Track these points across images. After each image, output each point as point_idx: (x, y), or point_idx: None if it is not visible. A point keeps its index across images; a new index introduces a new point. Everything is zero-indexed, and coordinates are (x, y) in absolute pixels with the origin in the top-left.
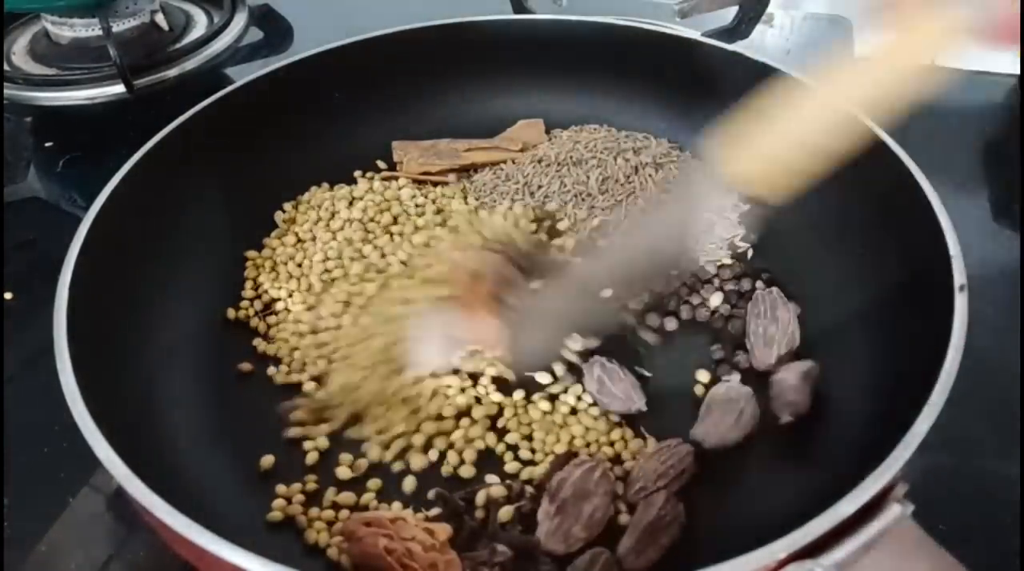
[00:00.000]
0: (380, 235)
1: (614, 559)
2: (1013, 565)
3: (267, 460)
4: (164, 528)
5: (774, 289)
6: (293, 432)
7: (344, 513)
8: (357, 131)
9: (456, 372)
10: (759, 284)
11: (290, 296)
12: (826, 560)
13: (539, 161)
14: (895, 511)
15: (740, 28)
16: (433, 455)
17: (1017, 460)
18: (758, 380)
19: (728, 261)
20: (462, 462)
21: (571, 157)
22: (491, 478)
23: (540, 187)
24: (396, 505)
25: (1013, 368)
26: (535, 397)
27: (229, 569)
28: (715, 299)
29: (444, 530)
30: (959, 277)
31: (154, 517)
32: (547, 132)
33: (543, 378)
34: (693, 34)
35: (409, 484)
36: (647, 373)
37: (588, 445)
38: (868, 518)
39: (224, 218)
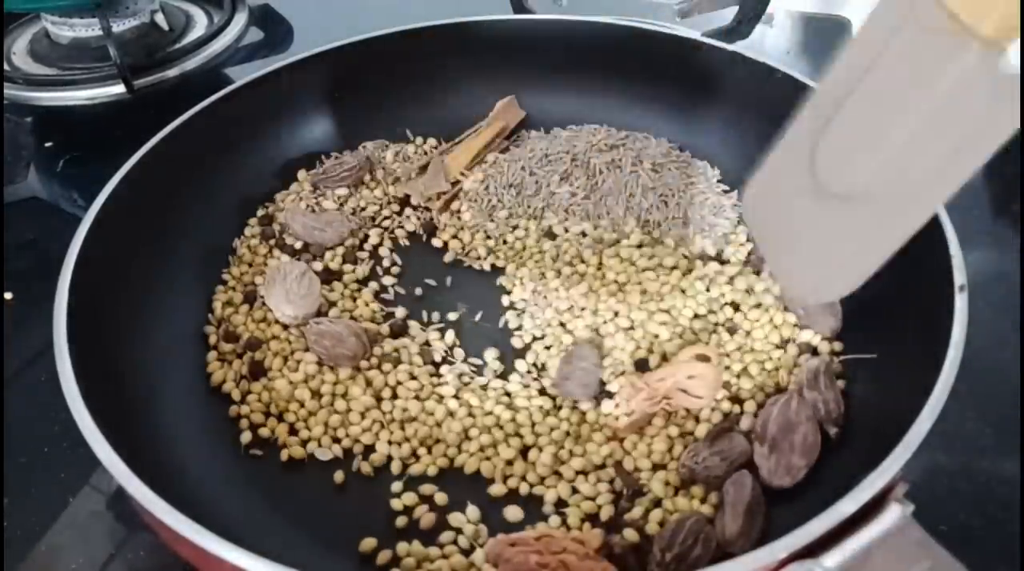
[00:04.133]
0: None
1: (704, 521)
2: (1013, 565)
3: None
4: (164, 528)
5: None
6: None
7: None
8: (358, 131)
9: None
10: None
11: None
12: (826, 560)
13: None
14: (895, 511)
15: (740, 28)
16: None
17: (1017, 460)
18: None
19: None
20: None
21: (571, 157)
22: None
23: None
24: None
25: (1013, 368)
26: None
27: (229, 569)
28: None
29: (596, 537)
30: (959, 277)
31: (154, 517)
32: (547, 132)
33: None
34: (693, 34)
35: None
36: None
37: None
38: (868, 518)
39: (224, 217)
